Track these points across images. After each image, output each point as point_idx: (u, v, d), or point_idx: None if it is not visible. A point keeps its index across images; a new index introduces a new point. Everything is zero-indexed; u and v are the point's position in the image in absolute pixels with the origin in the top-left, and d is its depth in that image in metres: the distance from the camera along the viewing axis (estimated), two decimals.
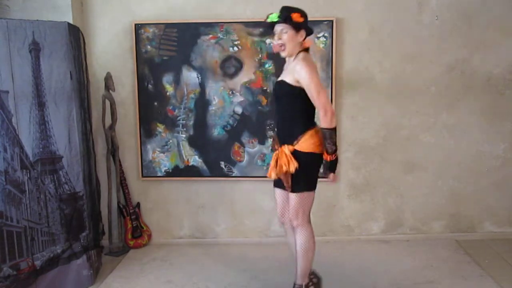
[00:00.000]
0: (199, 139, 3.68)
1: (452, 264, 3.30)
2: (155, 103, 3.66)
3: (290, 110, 2.54)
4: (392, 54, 3.58)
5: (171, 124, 3.68)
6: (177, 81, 3.62)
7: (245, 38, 3.55)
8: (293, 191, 2.57)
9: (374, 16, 3.54)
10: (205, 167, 3.71)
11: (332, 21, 3.48)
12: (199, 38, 3.56)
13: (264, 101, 3.60)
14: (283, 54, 2.54)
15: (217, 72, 3.60)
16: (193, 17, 3.55)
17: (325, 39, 3.51)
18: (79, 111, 3.00)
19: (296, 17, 2.44)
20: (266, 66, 3.57)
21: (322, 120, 2.44)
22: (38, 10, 3.31)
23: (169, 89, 3.64)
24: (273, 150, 2.67)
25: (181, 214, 3.84)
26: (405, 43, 3.56)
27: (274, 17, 2.48)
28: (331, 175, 2.55)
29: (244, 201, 3.80)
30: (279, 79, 2.59)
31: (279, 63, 3.51)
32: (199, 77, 3.61)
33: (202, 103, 3.64)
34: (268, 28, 2.65)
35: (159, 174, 3.74)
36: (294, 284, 2.69)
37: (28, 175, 2.79)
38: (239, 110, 3.64)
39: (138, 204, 3.80)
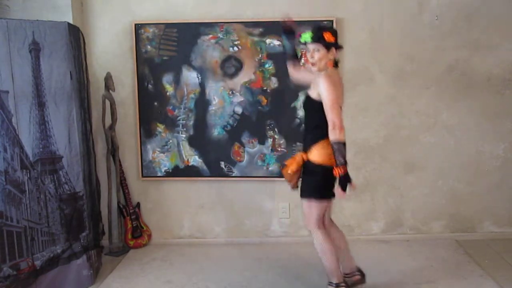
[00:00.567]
0: (199, 139, 3.68)
1: (452, 264, 3.30)
2: (155, 103, 3.66)
3: (312, 122, 2.72)
4: (392, 54, 3.58)
5: (171, 124, 3.68)
6: (177, 81, 3.62)
7: (245, 38, 3.55)
8: (301, 195, 2.73)
9: (374, 16, 3.54)
10: (205, 167, 3.71)
11: (332, 21, 3.48)
12: (199, 38, 3.56)
13: (264, 101, 3.60)
14: (313, 69, 2.68)
15: (217, 72, 3.60)
16: (193, 17, 3.55)
17: None
18: (79, 111, 3.00)
19: (328, 36, 2.58)
20: (266, 66, 3.57)
21: (330, 132, 2.56)
22: (38, 10, 3.31)
23: (169, 89, 3.64)
24: None
25: (181, 214, 3.84)
26: (405, 43, 3.56)
27: (307, 37, 2.61)
28: (339, 190, 2.57)
29: (244, 201, 3.80)
30: (308, 93, 2.74)
31: (279, 63, 3.53)
32: (199, 77, 3.61)
33: (202, 103, 3.64)
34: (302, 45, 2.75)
35: (159, 174, 3.74)
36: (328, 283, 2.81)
37: (28, 175, 2.79)
38: (239, 110, 3.64)
39: (138, 204, 3.80)
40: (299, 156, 2.71)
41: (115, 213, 3.72)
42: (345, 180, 2.54)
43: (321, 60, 2.61)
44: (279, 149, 3.66)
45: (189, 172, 3.72)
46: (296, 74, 2.93)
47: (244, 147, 3.67)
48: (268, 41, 3.53)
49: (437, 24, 3.54)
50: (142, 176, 3.75)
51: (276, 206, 3.78)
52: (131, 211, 3.72)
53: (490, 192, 3.74)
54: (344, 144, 2.54)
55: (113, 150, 3.62)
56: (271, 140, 3.65)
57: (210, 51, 3.57)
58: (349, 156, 3.66)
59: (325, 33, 2.58)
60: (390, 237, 3.79)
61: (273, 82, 3.58)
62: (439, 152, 3.70)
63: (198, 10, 3.56)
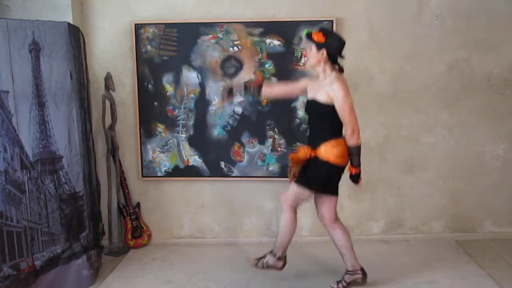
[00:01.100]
0: (199, 139, 3.68)
1: (452, 264, 3.31)
2: (155, 103, 3.66)
3: (320, 125, 2.80)
4: (392, 54, 3.58)
5: (171, 124, 3.68)
6: (177, 81, 3.62)
7: (245, 38, 3.55)
8: (296, 181, 2.81)
9: (374, 16, 3.54)
10: (205, 167, 3.71)
11: (332, 21, 3.48)
12: (199, 38, 3.56)
13: (264, 101, 3.60)
14: (306, 66, 2.90)
15: (217, 72, 3.60)
16: (193, 17, 3.55)
17: None
18: (79, 111, 3.00)
19: (316, 35, 2.71)
20: (266, 66, 3.57)
21: (349, 138, 2.71)
22: (38, 10, 3.31)
23: (169, 89, 3.64)
24: None
25: (181, 214, 3.84)
26: (405, 43, 3.56)
27: (304, 33, 2.78)
28: (360, 184, 2.85)
29: (244, 201, 3.80)
30: (310, 98, 2.82)
31: (279, 63, 3.53)
32: (199, 77, 3.61)
33: (202, 103, 3.64)
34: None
35: (159, 174, 3.74)
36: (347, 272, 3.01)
37: (28, 175, 2.79)
38: (239, 110, 3.64)
39: (138, 204, 3.80)
40: (308, 150, 2.79)
41: (115, 213, 3.72)
42: (357, 178, 2.80)
43: (311, 58, 2.75)
44: (279, 149, 3.66)
45: (189, 172, 3.72)
46: (269, 90, 3.04)
47: (244, 147, 3.67)
48: (268, 41, 3.53)
49: (437, 24, 3.54)
50: (142, 176, 3.75)
51: (276, 206, 3.78)
52: (131, 211, 3.72)
53: (490, 192, 3.74)
54: (359, 147, 2.74)
55: (113, 150, 3.62)
56: (271, 140, 3.65)
57: (210, 51, 3.57)
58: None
59: (315, 33, 2.71)
60: (390, 237, 3.79)
61: (273, 82, 3.58)
62: (439, 152, 3.70)
63: (198, 10, 3.56)
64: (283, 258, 2.99)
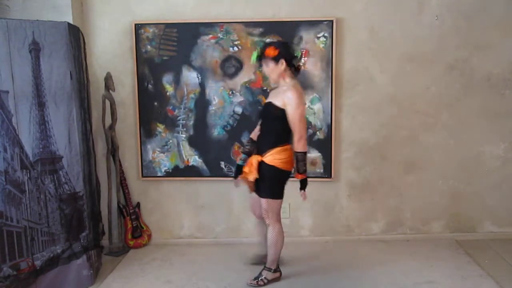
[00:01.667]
0: (199, 139, 3.68)
1: (452, 264, 3.31)
2: (155, 103, 3.66)
3: (271, 128, 2.89)
4: (392, 54, 3.58)
5: (171, 124, 3.68)
6: (177, 81, 3.62)
7: (245, 38, 3.55)
8: (260, 196, 2.95)
9: (374, 16, 3.54)
10: (205, 167, 3.71)
11: (332, 21, 3.48)
12: (199, 38, 3.56)
13: (264, 101, 3.60)
14: (271, 82, 2.99)
15: (217, 72, 3.60)
16: (193, 17, 3.55)
17: (325, 39, 3.51)
18: (79, 111, 3.00)
19: (269, 51, 2.79)
20: None
21: (296, 144, 2.82)
22: (38, 10, 3.31)
23: (169, 89, 3.64)
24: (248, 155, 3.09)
25: (181, 214, 3.84)
26: (405, 43, 3.56)
27: (253, 59, 2.89)
28: (303, 192, 2.90)
29: (244, 201, 3.78)
30: (268, 100, 2.93)
31: None
32: (199, 77, 3.61)
33: (202, 103, 3.64)
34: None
35: (159, 174, 3.74)
36: (264, 266, 3.09)
37: (28, 175, 2.79)
38: (239, 110, 3.64)
39: (138, 204, 3.81)
40: (254, 160, 2.88)
41: (115, 213, 3.72)
42: (305, 184, 2.89)
43: (272, 73, 2.84)
44: None
45: (189, 172, 3.72)
46: (255, 134, 3.08)
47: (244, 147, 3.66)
48: (268, 41, 3.52)
49: (437, 24, 3.54)
50: (142, 176, 3.75)
51: None
52: (131, 211, 3.72)
53: (490, 192, 3.74)
54: (306, 153, 2.85)
55: (113, 150, 3.62)
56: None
57: (210, 51, 3.57)
58: (349, 156, 3.71)
59: (267, 49, 2.80)
60: (390, 237, 3.79)
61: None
62: (439, 152, 3.70)
63: (198, 10, 3.56)
64: (278, 268, 3.10)
